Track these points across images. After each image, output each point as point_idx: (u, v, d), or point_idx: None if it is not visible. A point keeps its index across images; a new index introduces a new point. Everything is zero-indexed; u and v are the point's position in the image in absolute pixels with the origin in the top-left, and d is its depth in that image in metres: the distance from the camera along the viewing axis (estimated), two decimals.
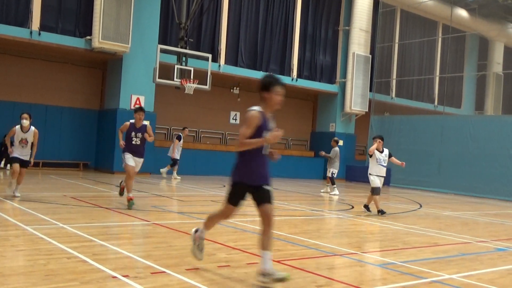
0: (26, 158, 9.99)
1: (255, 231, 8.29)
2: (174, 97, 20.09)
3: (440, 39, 26.75)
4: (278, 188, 16.96)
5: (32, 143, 10.01)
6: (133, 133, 9.64)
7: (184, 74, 17.13)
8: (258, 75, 20.99)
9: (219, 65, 20.03)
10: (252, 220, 9.57)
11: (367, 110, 23.72)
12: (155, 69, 16.73)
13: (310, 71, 23.09)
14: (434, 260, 6.77)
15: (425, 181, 21.24)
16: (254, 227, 8.70)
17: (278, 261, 5.91)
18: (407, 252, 7.22)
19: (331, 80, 23.72)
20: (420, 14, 25.78)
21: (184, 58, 17.57)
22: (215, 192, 13.96)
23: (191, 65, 17.46)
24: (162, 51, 17.04)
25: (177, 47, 17.63)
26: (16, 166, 9.77)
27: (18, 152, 9.88)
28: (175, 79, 16.96)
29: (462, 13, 25.45)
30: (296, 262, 5.93)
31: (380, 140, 11.42)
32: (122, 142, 9.69)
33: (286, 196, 14.64)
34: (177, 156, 17.77)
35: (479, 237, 9.07)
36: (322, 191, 16.80)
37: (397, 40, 25.51)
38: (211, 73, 17.88)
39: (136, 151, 9.69)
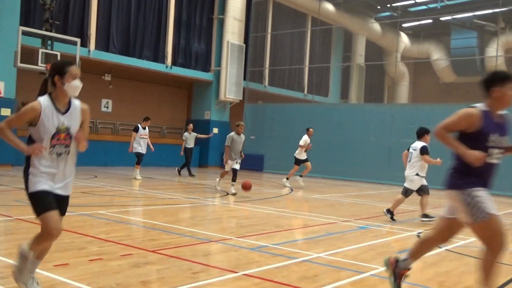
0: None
1: (129, 221, 8.10)
2: (38, 84, 18.73)
3: (309, 31, 28.04)
4: (152, 177, 16.69)
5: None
6: None
7: (49, 59, 16.04)
8: (130, 61, 20.37)
9: (89, 50, 19.07)
10: (124, 210, 9.32)
11: (241, 98, 24.19)
12: (16, 53, 15.47)
13: (185, 59, 22.95)
14: (304, 241, 7.15)
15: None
16: (128, 217, 8.49)
17: (153, 251, 5.83)
18: (279, 234, 7.53)
19: (206, 68, 23.79)
20: (291, 6, 26.77)
21: (49, 42, 16.46)
22: (85, 183, 13.36)
23: (58, 50, 16.41)
24: (24, 33, 15.79)
25: (41, 29, 16.46)
26: None
27: None
28: (39, 64, 15.83)
29: (329, 7, 26.89)
30: (171, 251, 5.90)
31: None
32: None
33: (161, 185, 14.48)
34: (139, 149, 15.41)
35: (343, 217, 9.74)
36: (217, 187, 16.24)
37: (269, 31, 26.27)
38: (80, 59, 16.96)
39: None
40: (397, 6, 26.56)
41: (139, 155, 15.42)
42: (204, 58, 23.83)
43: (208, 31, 23.92)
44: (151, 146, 15.85)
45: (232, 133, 12.79)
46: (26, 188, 3.89)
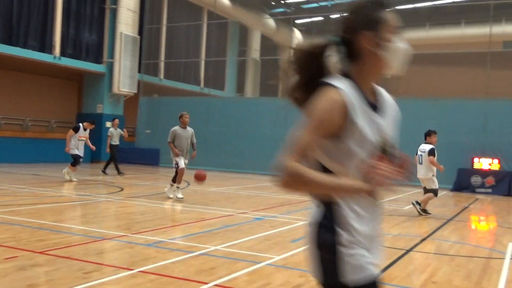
0: None
1: (13, 222, 7.57)
2: None
3: (205, 25, 27.96)
4: (39, 174, 15.76)
5: None
6: None
7: None
8: (13, 51, 18.97)
9: None
10: (8, 210, 8.70)
11: (136, 92, 23.55)
12: None
13: (75, 49, 21.84)
14: (201, 234, 7.13)
15: (191, 160, 22.15)
16: (12, 217, 7.93)
17: (40, 252, 5.50)
18: (176, 229, 7.45)
19: (98, 59, 22.83)
20: None
21: None
22: None
23: None
24: None
25: None
26: None
27: None
28: None
29: (225, 1, 26.99)
30: (61, 251, 5.60)
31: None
32: None
33: (50, 182, 13.70)
34: (76, 151, 13.96)
35: (240, 209, 9.87)
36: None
37: (165, 23, 25.81)
38: None
39: None
40: (290, 2, 27.33)
41: (76, 158, 13.85)
42: (96, 49, 22.85)
43: (100, 21, 22.96)
44: (91, 146, 14.84)
45: (176, 127, 11.14)
46: (330, 271, 1.98)
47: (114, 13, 22.81)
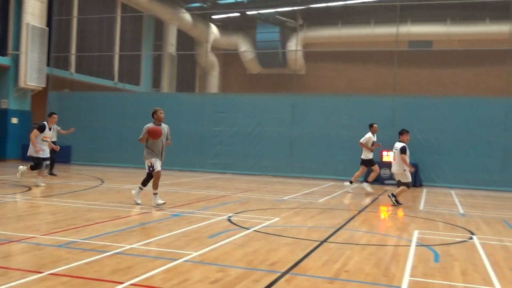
0: None
1: None
2: None
3: (119, 17, 27.13)
4: None
5: None
6: None
7: None
8: None
9: None
10: None
11: (44, 86, 22.40)
12: None
13: None
14: (116, 233, 6.93)
15: (106, 156, 21.49)
16: None
17: None
18: (89, 228, 7.19)
19: (2, 52, 21.45)
20: None
21: None
22: None
23: None
24: None
25: None
26: None
27: None
28: None
29: None
30: None
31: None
32: None
33: None
34: (40, 153, 12.46)
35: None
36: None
37: (75, 14, 24.72)
38: None
39: None
40: None
41: (38, 161, 12.36)
42: (0, 41, 21.46)
43: (4, 11, 21.56)
44: (55, 147, 13.29)
45: (149, 124, 9.73)
46: None
47: (20, 3, 21.52)
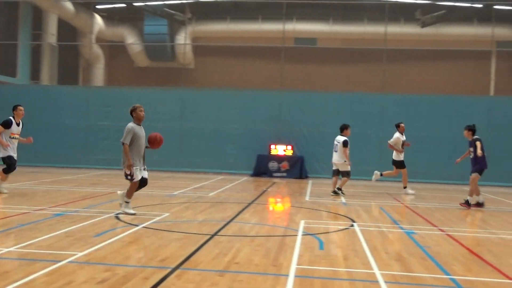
0: None
1: None
2: None
3: None
4: None
5: None
6: None
7: None
8: None
9: None
10: None
11: None
12: None
13: None
14: None
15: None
16: None
17: None
18: None
19: None
20: None
21: None
22: None
23: None
24: None
25: None
26: None
27: None
28: None
29: None
30: None
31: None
32: None
33: None
34: (11, 153, 10.66)
35: (37, 205, 9.13)
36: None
37: None
38: None
39: None
40: None
41: (11, 161, 10.69)
42: None
43: None
44: (26, 140, 11.21)
45: (132, 124, 8.40)
46: None
47: None
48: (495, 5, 21.73)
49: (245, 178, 17.34)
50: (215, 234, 7.10)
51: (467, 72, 25.69)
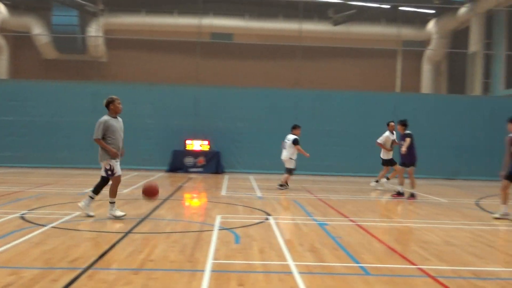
0: None
1: None
2: None
3: None
4: None
5: None
6: None
7: None
8: None
9: None
10: None
11: None
12: None
13: None
14: None
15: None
16: None
17: None
18: None
19: None
20: None
21: None
22: None
23: None
24: None
25: None
26: None
27: None
28: None
29: None
30: None
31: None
32: None
33: None
34: None
35: None
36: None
37: None
38: None
39: None
40: None
41: None
42: None
43: None
44: None
45: (105, 117, 8.01)
46: None
47: None
48: (401, 6, 22.93)
49: (160, 174, 17.07)
50: (129, 231, 6.92)
51: (376, 69, 26.91)
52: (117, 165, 8.00)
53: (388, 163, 13.65)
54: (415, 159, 11.75)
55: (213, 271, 5.04)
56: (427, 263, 5.65)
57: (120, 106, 8.13)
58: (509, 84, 24.81)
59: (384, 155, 13.65)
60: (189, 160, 18.01)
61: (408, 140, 11.59)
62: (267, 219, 8.39)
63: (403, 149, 11.58)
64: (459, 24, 25.82)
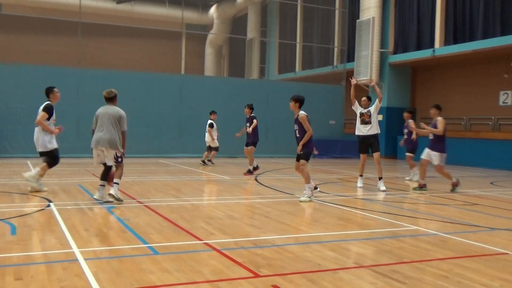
0: None
1: None
2: None
3: None
4: None
5: None
6: None
7: None
8: None
9: None
10: None
11: None
12: None
13: None
14: None
15: None
16: None
17: None
18: None
19: None
20: None
21: None
22: None
23: None
24: None
25: None
26: None
27: None
28: None
29: None
30: None
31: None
32: None
33: None
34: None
35: None
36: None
37: None
38: None
39: None
40: None
41: (55, 154, 9.51)
42: None
43: None
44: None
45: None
46: None
47: None
48: None
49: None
50: None
51: (161, 51, 27.06)
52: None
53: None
54: (257, 139, 13.50)
55: None
56: (212, 237, 5.95)
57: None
58: (281, 70, 27.34)
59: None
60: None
61: (255, 121, 13.29)
62: (48, 206, 7.83)
63: (249, 129, 13.25)
64: (238, 11, 27.43)
